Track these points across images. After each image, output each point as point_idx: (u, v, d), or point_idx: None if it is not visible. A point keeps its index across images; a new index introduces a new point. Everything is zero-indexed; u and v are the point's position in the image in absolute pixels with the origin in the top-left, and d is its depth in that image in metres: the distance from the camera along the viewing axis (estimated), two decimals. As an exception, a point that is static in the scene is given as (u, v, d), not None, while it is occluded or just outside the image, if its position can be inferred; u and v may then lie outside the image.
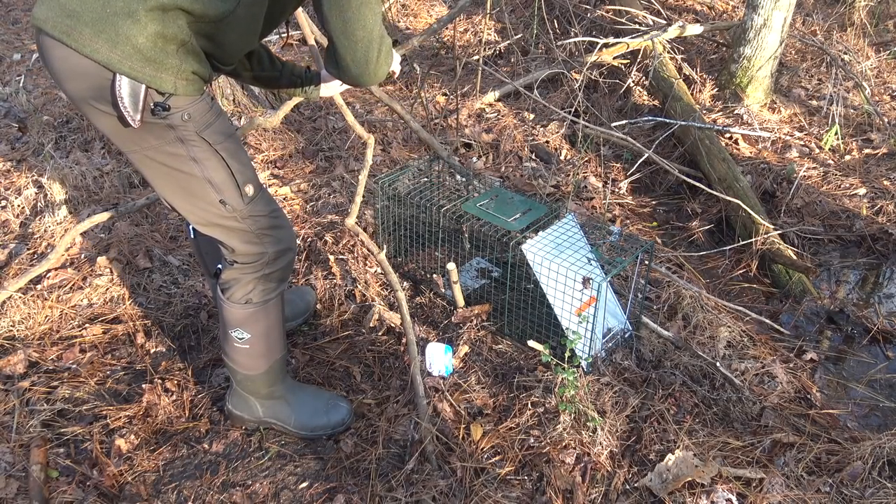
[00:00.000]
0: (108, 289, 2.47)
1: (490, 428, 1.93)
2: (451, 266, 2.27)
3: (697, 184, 3.26)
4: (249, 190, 1.64)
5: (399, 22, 5.29)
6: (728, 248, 3.08)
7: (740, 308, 2.55)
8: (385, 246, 2.49)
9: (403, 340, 2.24)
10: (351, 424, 2.01)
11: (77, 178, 3.00)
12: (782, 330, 2.56)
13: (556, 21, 4.76)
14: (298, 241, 2.66)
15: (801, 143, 3.77)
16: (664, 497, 1.75)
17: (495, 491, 1.78)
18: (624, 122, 3.95)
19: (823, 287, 2.96)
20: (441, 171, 2.67)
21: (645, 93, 4.23)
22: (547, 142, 3.72)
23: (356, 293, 2.47)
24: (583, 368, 2.06)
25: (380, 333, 2.32)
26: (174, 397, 2.09)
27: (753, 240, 3.02)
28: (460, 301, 2.34)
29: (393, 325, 2.33)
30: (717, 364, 2.14)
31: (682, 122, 3.73)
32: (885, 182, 3.40)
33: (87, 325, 2.34)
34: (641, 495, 1.78)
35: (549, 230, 2.21)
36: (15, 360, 2.16)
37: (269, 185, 3.03)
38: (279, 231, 1.73)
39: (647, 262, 2.23)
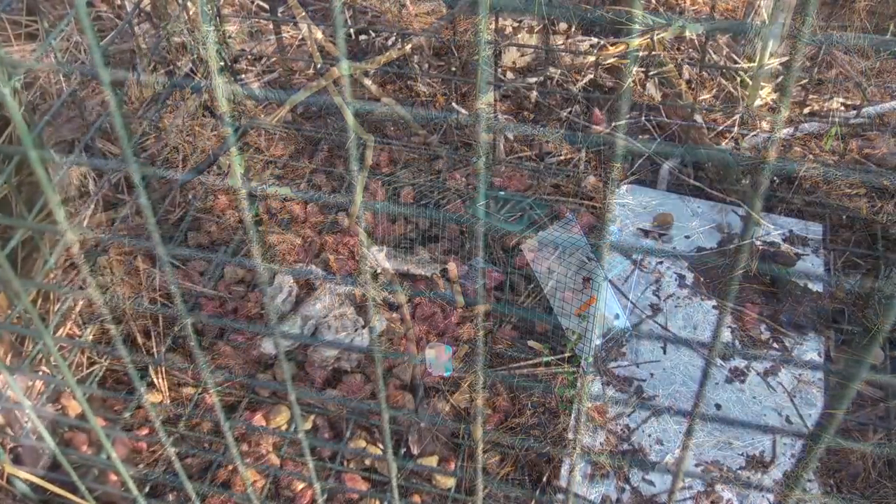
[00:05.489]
0: (108, 289, 2.47)
1: (490, 428, 1.93)
2: (451, 266, 2.27)
3: (697, 184, 3.25)
4: None
5: (399, 22, 5.29)
6: (728, 247, 3.08)
7: (740, 308, 2.55)
8: (384, 245, 2.49)
9: (403, 340, 2.24)
10: None
11: (77, 178, 3.00)
12: (782, 330, 2.56)
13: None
14: (298, 241, 2.66)
15: (801, 142, 3.77)
16: (664, 497, 1.75)
17: (495, 491, 1.78)
18: (624, 121, 3.95)
19: (823, 287, 2.95)
20: (441, 171, 2.66)
21: (645, 93, 4.23)
22: (547, 142, 3.71)
23: (356, 293, 2.46)
24: (583, 368, 2.07)
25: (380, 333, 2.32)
26: (174, 397, 2.09)
27: (753, 240, 3.02)
28: (460, 301, 2.34)
29: (393, 324, 2.33)
30: (717, 363, 2.14)
31: (683, 123, 3.73)
32: (885, 182, 3.40)
33: (86, 325, 2.34)
34: (642, 495, 1.78)
35: (549, 230, 2.21)
36: (15, 360, 2.16)
37: (269, 185, 3.03)
38: None
39: (646, 262, 2.23)
